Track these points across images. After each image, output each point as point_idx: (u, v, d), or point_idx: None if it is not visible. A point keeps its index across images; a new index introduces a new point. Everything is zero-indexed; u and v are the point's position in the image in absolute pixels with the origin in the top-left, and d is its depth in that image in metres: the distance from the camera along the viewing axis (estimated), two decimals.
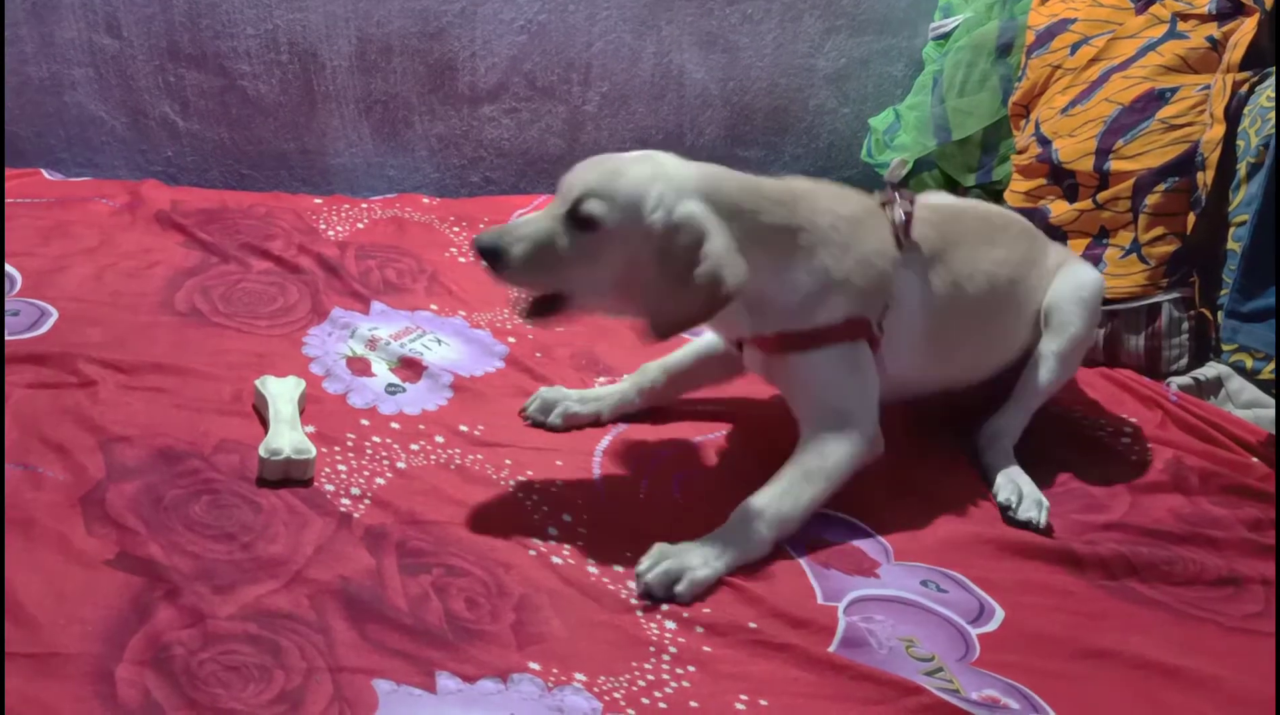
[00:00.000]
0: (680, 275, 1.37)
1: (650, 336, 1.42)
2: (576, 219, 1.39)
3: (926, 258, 1.56)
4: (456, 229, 2.29)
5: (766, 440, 1.67)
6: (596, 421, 1.68)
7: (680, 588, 1.34)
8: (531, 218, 1.42)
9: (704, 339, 1.70)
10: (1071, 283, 1.72)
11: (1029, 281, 1.70)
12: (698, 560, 1.36)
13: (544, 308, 1.45)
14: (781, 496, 1.44)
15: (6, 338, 1.70)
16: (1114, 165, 1.99)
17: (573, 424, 1.67)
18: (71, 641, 1.15)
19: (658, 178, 1.40)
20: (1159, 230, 1.96)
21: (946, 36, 2.52)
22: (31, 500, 1.35)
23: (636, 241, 1.38)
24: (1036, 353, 1.70)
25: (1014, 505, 1.55)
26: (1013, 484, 1.58)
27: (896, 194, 1.59)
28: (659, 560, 1.35)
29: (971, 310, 1.61)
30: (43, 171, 2.39)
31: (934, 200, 1.75)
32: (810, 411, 1.51)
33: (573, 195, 1.39)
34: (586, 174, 1.41)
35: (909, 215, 1.55)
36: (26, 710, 1.07)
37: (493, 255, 1.39)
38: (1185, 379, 1.93)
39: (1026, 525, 1.53)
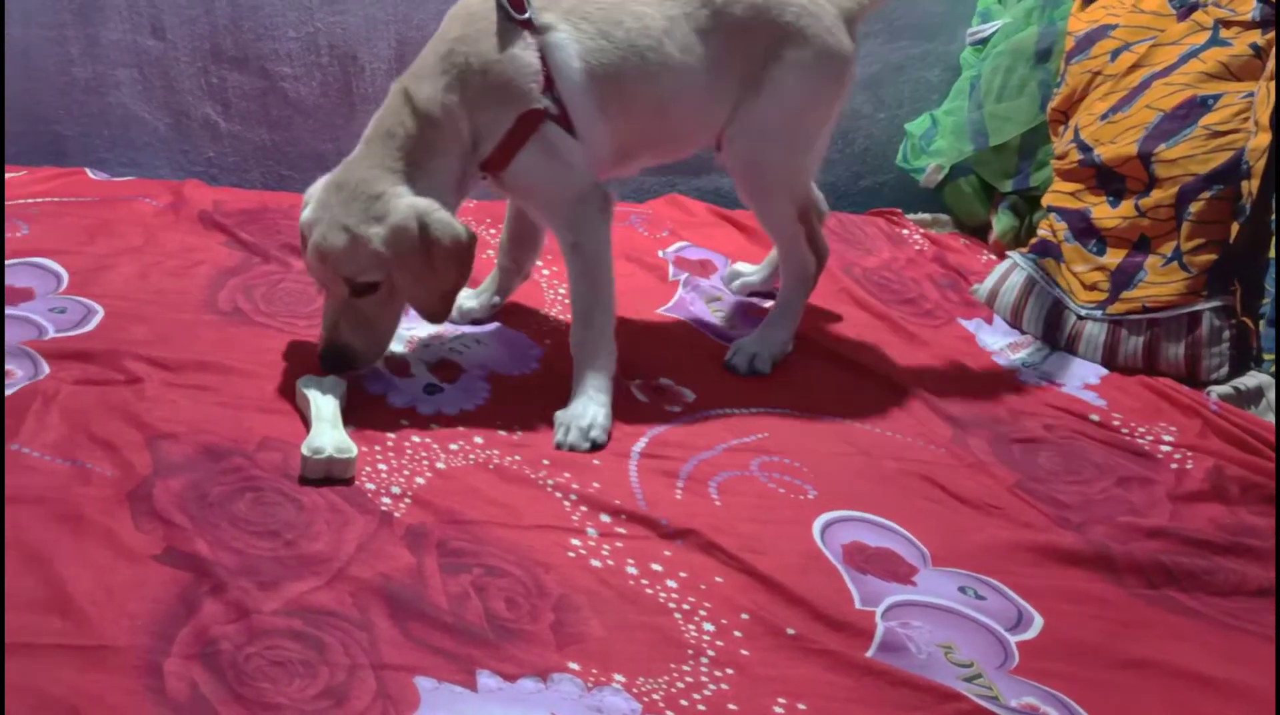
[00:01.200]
0: (426, 262, 1.59)
1: (432, 318, 1.67)
2: (359, 291, 1.61)
3: (565, 9, 1.64)
4: (493, 231, 2.30)
5: (800, 443, 1.68)
6: (492, 310, 1.93)
7: (595, 434, 1.60)
8: (333, 312, 1.63)
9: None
10: (752, 133, 1.73)
11: (698, 53, 1.68)
12: (592, 407, 1.62)
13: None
14: (581, 300, 1.67)
15: (55, 335, 1.73)
16: (1157, 170, 1.98)
17: (471, 318, 1.92)
18: (121, 634, 1.17)
19: (353, 215, 1.58)
20: (1201, 239, 1.95)
21: (984, 42, 2.51)
22: (81, 495, 1.38)
23: (406, 261, 1.59)
24: (748, 204, 1.86)
25: (739, 369, 1.83)
26: (741, 353, 1.84)
27: None
28: (566, 428, 1.60)
29: (639, 61, 1.65)
30: (87, 171, 2.42)
31: None
32: (547, 209, 1.71)
33: (342, 276, 1.60)
34: (326, 268, 1.60)
35: None
36: (78, 701, 1.09)
37: (344, 363, 1.64)
38: (1226, 388, 1.92)
39: (752, 372, 1.82)
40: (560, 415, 1.63)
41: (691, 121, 1.76)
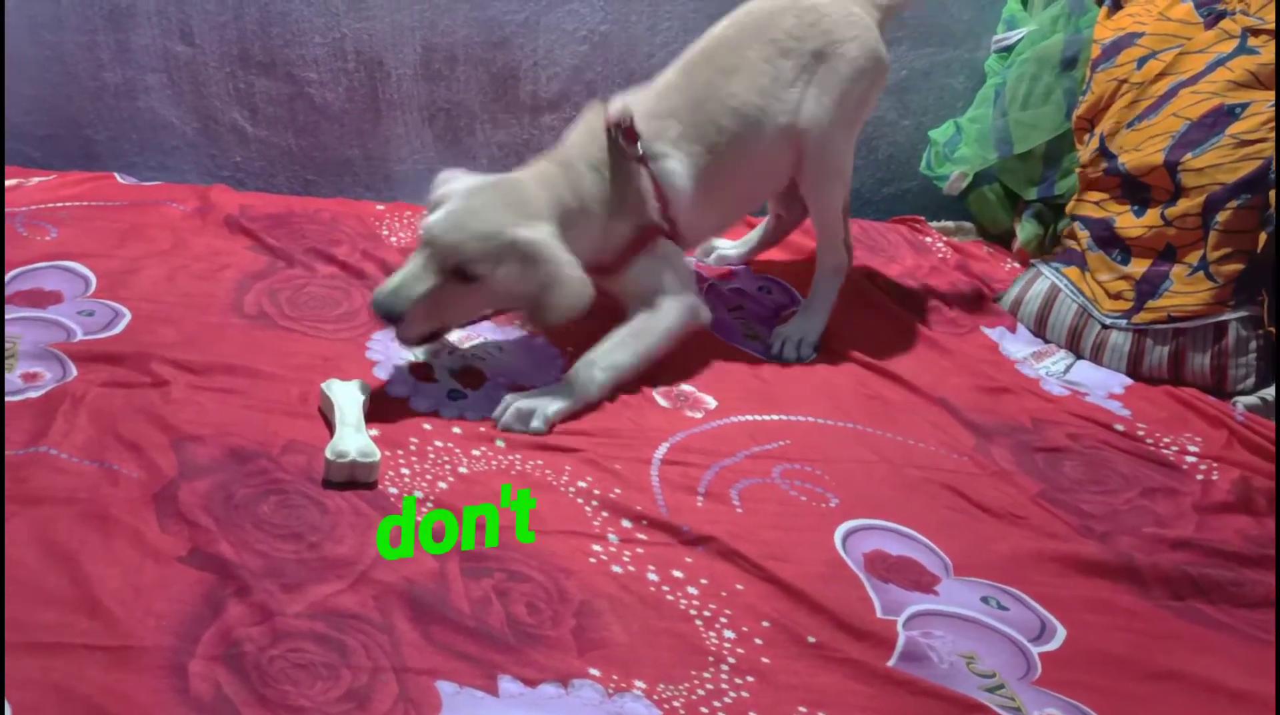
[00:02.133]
0: (534, 292, 1.66)
1: (541, 327, 1.79)
2: (460, 274, 1.63)
3: (673, 138, 1.81)
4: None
5: (822, 451, 1.68)
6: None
7: (535, 422, 1.63)
8: (415, 273, 1.63)
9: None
10: (806, 113, 1.87)
11: (785, 76, 1.85)
12: (546, 399, 1.66)
13: (427, 337, 1.71)
14: (615, 348, 1.74)
15: (84, 337, 1.75)
16: (1184, 179, 1.96)
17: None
18: (147, 635, 1.18)
19: (508, 211, 1.66)
20: (1228, 248, 1.93)
21: (1009, 49, 2.50)
22: (108, 496, 1.39)
23: (511, 278, 1.65)
24: (803, 182, 1.94)
25: (777, 350, 1.92)
26: (790, 329, 1.95)
27: (604, 106, 1.81)
28: (509, 404, 1.65)
29: (736, 151, 1.83)
30: (116, 175, 2.45)
31: (689, 52, 1.93)
32: (637, 298, 1.81)
33: (451, 259, 1.62)
34: (456, 237, 1.63)
35: (629, 128, 1.76)
36: (105, 701, 1.10)
37: (392, 319, 1.63)
38: (1252, 398, 1.90)
39: (777, 359, 1.90)
40: (512, 395, 1.68)
41: (783, 166, 1.94)
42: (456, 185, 1.73)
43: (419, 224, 1.71)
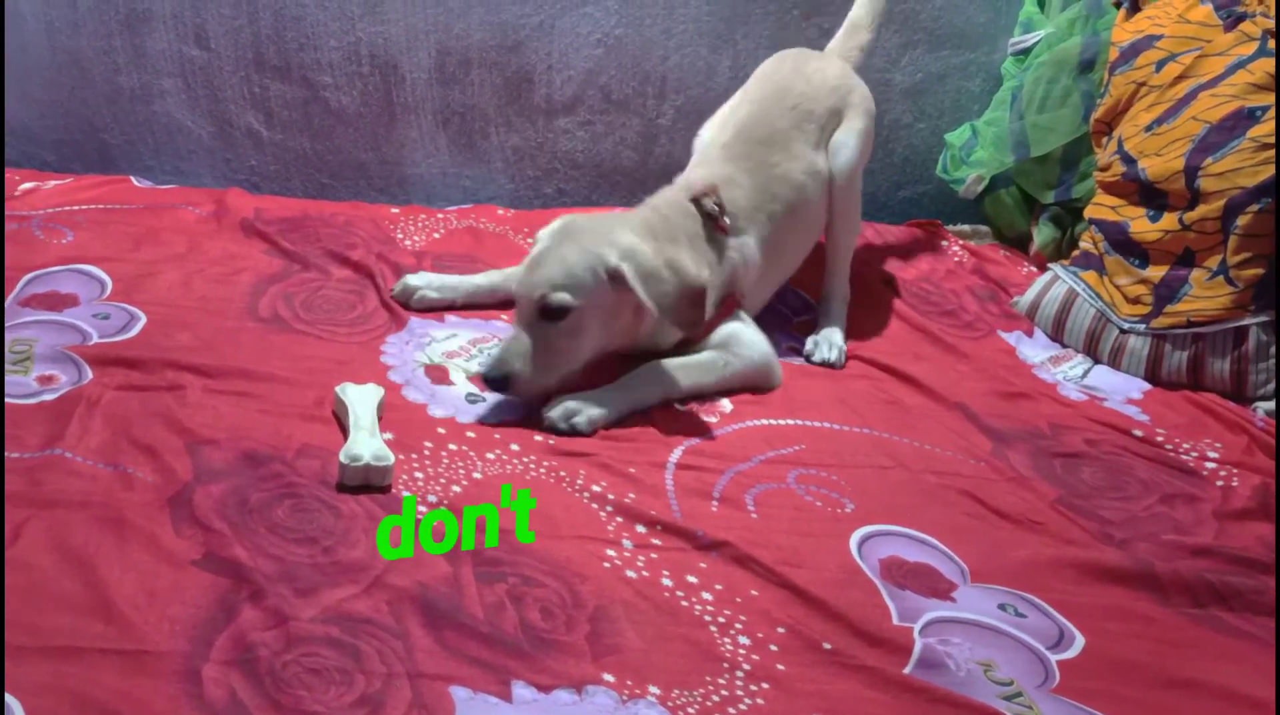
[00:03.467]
0: (665, 290, 1.65)
1: (689, 333, 1.76)
2: (548, 314, 1.64)
3: (746, 217, 1.86)
4: (531, 241, 2.30)
5: (838, 456, 1.67)
6: (450, 307, 1.96)
7: (578, 420, 1.62)
8: (511, 337, 1.68)
9: None
10: (841, 162, 1.99)
11: (816, 164, 1.97)
12: (594, 401, 1.64)
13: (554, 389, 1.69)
14: (681, 368, 1.74)
15: (99, 340, 1.75)
16: (1203, 184, 1.95)
17: (427, 307, 1.95)
18: (161, 639, 1.18)
19: (586, 242, 1.67)
20: (1248, 252, 1.91)
21: (1026, 52, 2.48)
22: (123, 500, 1.39)
23: (604, 301, 1.66)
24: (832, 224, 2.03)
25: (811, 351, 1.94)
26: (820, 336, 1.97)
27: (698, 184, 1.84)
28: (560, 401, 1.63)
29: (789, 228, 1.93)
30: (132, 179, 2.46)
31: (722, 137, 2.00)
32: (732, 353, 1.82)
33: (535, 298, 1.64)
34: (535, 276, 1.66)
35: (720, 206, 1.81)
36: (119, 705, 1.10)
37: (502, 384, 1.64)
38: (1272, 404, 1.88)
39: (822, 363, 1.91)
40: (566, 396, 1.66)
41: (823, 220, 2.03)
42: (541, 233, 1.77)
43: None
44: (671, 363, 1.76)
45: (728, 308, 1.85)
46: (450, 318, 1.97)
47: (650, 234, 1.73)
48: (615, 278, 1.65)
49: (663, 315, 1.67)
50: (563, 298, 1.63)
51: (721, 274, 1.81)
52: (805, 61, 2.08)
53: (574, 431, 1.63)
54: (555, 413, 1.63)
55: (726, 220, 1.82)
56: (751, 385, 1.82)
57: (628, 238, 1.68)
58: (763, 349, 1.84)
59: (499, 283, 2.00)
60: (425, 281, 1.97)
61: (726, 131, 1.99)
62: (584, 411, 1.64)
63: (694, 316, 1.70)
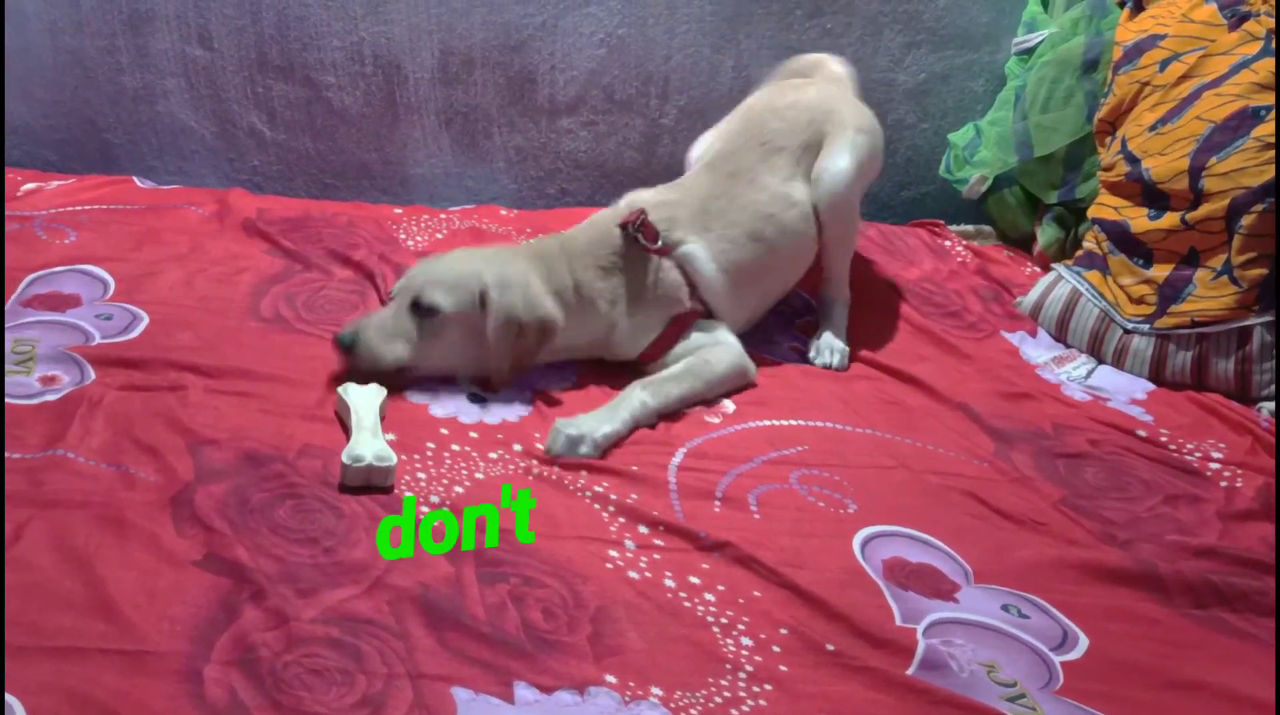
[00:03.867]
0: (510, 327, 1.69)
1: (497, 382, 1.74)
2: (419, 308, 1.69)
3: (685, 222, 1.86)
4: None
5: (840, 456, 1.66)
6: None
7: (584, 448, 1.60)
8: (380, 313, 1.72)
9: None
10: (826, 186, 1.96)
11: (790, 195, 1.94)
12: (593, 424, 1.63)
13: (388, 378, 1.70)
14: (670, 380, 1.75)
15: (101, 341, 1.75)
16: (1207, 184, 1.94)
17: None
18: (162, 639, 1.18)
19: (479, 260, 1.73)
20: (1253, 252, 1.91)
21: (1030, 52, 2.48)
22: (125, 500, 1.39)
23: (473, 317, 1.69)
24: (825, 237, 1.99)
25: (813, 357, 1.94)
26: (821, 342, 1.96)
27: (627, 212, 1.85)
28: (559, 433, 1.61)
29: (758, 242, 1.90)
30: (135, 179, 2.46)
31: (696, 165, 2.04)
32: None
33: (414, 288, 1.70)
34: (419, 270, 1.73)
35: (644, 223, 1.81)
36: (119, 705, 1.10)
37: (350, 348, 1.68)
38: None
39: (824, 367, 1.91)
40: (561, 421, 1.63)
41: (811, 244, 2.00)
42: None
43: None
44: (659, 377, 1.76)
45: (679, 328, 1.84)
46: None
47: (543, 265, 1.77)
48: (484, 299, 1.70)
49: (494, 345, 1.70)
50: (435, 298, 1.69)
51: (657, 290, 1.82)
52: (781, 95, 2.07)
53: (582, 457, 1.60)
54: (559, 448, 1.60)
55: (659, 243, 1.82)
56: (732, 388, 1.82)
57: (514, 270, 1.73)
58: (735, 351, 1.84)
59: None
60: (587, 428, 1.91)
61: (700, 162, 2.03)
62: (586, 437, 1.60)
63: (531, 348, 1.73)
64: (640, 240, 1.81)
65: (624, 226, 1.82)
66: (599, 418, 1.65)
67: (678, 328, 1.84)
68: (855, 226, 2.07)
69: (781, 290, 2.04)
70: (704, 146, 2.08)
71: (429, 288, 1.70)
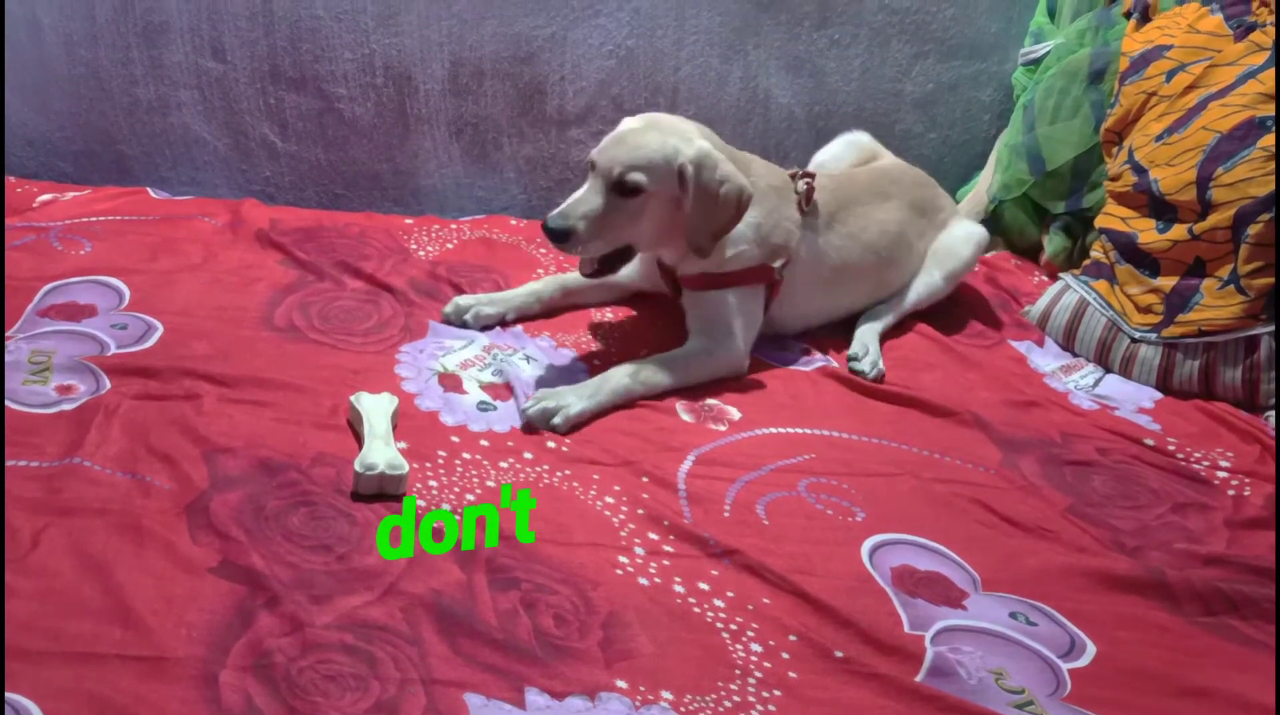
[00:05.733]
0: (711, 199, 1.76)
1: (696, 251, 1.81)
2: (622, 189, 1.73)
3: (823, 220, 1.97)
4: (544, 251, 2.32)
5: (848, 464, 1.67)
6: (502, 321, 2.00)
7: (557, 420, 1.66)
8: (582, 197, 1.74)
9: None
10: (963, 230, 2.16)
11: (918, 226, 2.11)
12: (572, 398, 1.69)
13: (607, 265, 1.82)
14: (656, 366, 1.79)
15: (117, 350, 1.77)
16: (1215, 194, 1.95)
17: (485, 324, 1.98)
18: (179, 645, 1.20)
19: (669, 135, 1.77)
20: (1260, 262, 1.91)
21: (1037, 62, 2.49)
22: (141, 507, 1.41)
23: (670, 191, 1.75)
24: (923, 272, 2.11)
25: (860, 357, 1.94)
26: (864, 344, 1.97)
27: (799, 169, 1.99)
28: (539, 400, 1.68)
29: (864, 257, 2.02)
30: (149, 190, 2.48)
31: (835, 164, 2.20)
32: (701, 327, 1.89)
33: (615, 172, 1.73)
34: (618, 151, 1.75)
35: (810, 187, 1.94)
36: (137, 710, 1.11)
37: (563, 236, 1.72)
38: None
39: (859, 373, 1.92)
40: (543, 390, 1.72)
41: (893, 278, 2.12)
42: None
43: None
44: (648, 359, 1.81)
45: (754, 275, 1.89)
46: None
47: (725, 154, 1.82)
48: (682, 174, 1.74)
49: (698, 218, 1.76)
50: (638, 178, 1.73)
51: (774, 237, 1.89)
52: (877, 165, 2.21)
53: (551, 430, 1.67)
54: (533, 412, 1.67)
55: (807, 206, 1.93)
56: (720, 377, 1.86)
57: (704, 144, 1.78)
58: (734, 348, 1.87)
59: (542, 291, 2.05)
60: (475, 299, 2.01)
61: (847, 161, 2.19)
62: (561, 410, 1.67)
63: (731, 218, 1.79)
64: (797, 194, 1.92)
65: (793, 175, 1.95)
66: (579, 393, 1.71)
67: (753, 274, 1.88)
68: (942, 294, 2.15)
69: (848, 307, 2.08)
70: (832, 160, 2.22)
71: (631, 169, 1.73)
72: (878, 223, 2.04)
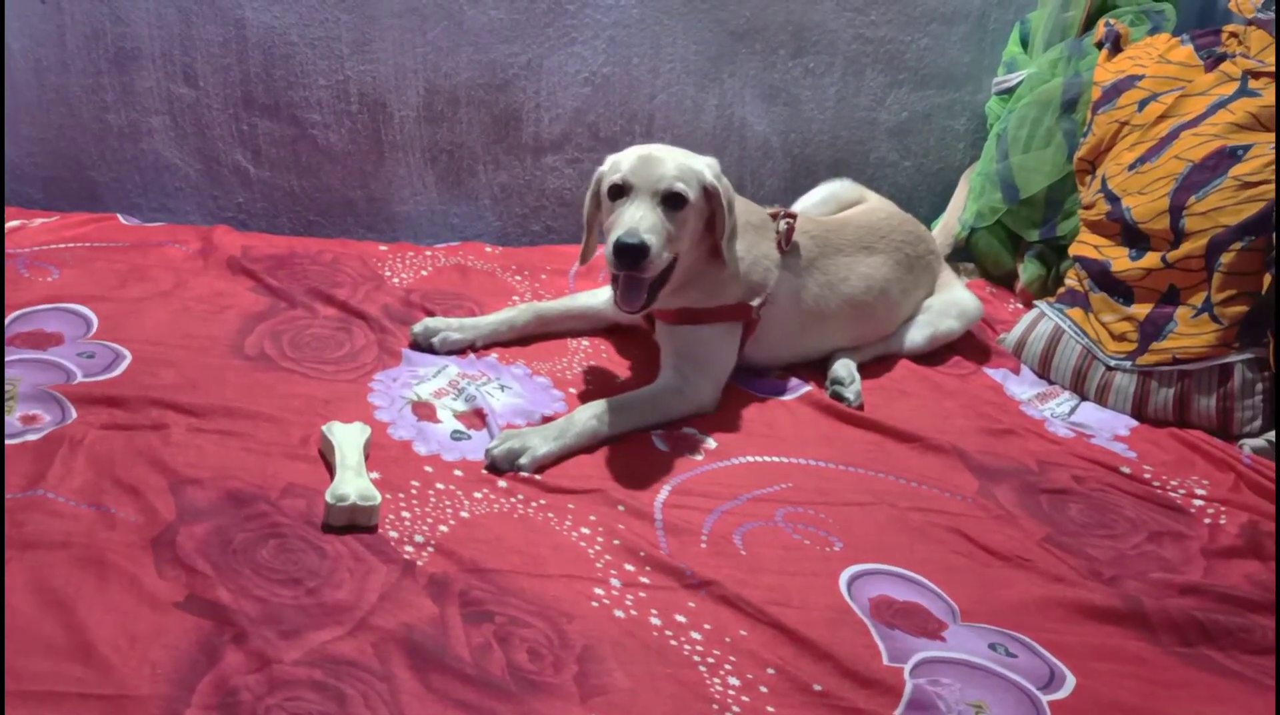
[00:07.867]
0: (730, 212, 1.84)
1: (730, 254, 1.85)
2: (670, 202, 1.77)
3: (803, 263, 1.99)
4: (518, 278, 2.31)
5: (825, 494, 1.66)
6: (472, 347, 2.00)
7: (523, 461, 1.64)
8: (637, 215, 1.74)
9: (576, 299, 2.11)
10: (957, 302, 2.18)
11: (904, 282, 2.13)
12: (538, 440, 1.67)
13: (651, 297, 1.79)
14: (622, 406, 1.77)
15: (84, 379, 1.74)
16: (1187, 223, 1.96)
17: (451, 349, 1.98)
18: (142, 683, 1.16)
19: (693, 159, 1.84)
20: (1232, 290, 1.92)
21: (1010, 92, 2.51)
22: (105, 541, 1.37)
23: (700, 205, 1.81)
24: (909, 323, 2.15)
25: (845, 383, 1.95)
26: (848, 369, 1.99)
27: (780, 208, 2.02)
28: (504, 441, 1.66)
29: (841, 307, 2.03)
30: (119, 216, 2.45)
31: (823, 206, 2.25)
32: (675, 363, 1.89)
33: (663, 187, 1.77)
34: (660, 168, 1.78)
35: (790, 227, 1.97)
36: None
37: (641, 252, 1.70)
38: (1259, 441, 1.89)
39: (842, 399, 1.93)
40: (509, 431, 1.69)
41: (877, 325, 2.13)
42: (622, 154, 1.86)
43: (605, 177, 1.83)
44: (615, 399, 1.78)
45: (733, 312, 1.89)
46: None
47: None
48: (709, 191, 1.81)
49: (727, 221, 1.82)
50: (684, 189, 1.77)
51: (753, 274, 1.91)
52: (871, 213, 2.21)
53: (517, 471, 1.64)
54: (498, 452, 1.65)
55: (787, 246, 1.95)
56: (689, 416, 1.85)
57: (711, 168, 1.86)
58: (703, 389, 1.87)
59: (515, 318, 2.04)
60: (446, 323, 2.00)
61: (828, 211, 2.23)
62: (528, 451, 1.65)
63: (734, 224, 1.86)
64: (777, 234, 1.95)
65: (774, 215, 1.98)
66: (545, 436, 1.68)
67: (732, 312, 1.89)
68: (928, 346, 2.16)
69: (826, 346, 2.07)
70: (817, 208, 2.24)
71: (678, 180, 1.77)
72: (861, 276, 2.05)
